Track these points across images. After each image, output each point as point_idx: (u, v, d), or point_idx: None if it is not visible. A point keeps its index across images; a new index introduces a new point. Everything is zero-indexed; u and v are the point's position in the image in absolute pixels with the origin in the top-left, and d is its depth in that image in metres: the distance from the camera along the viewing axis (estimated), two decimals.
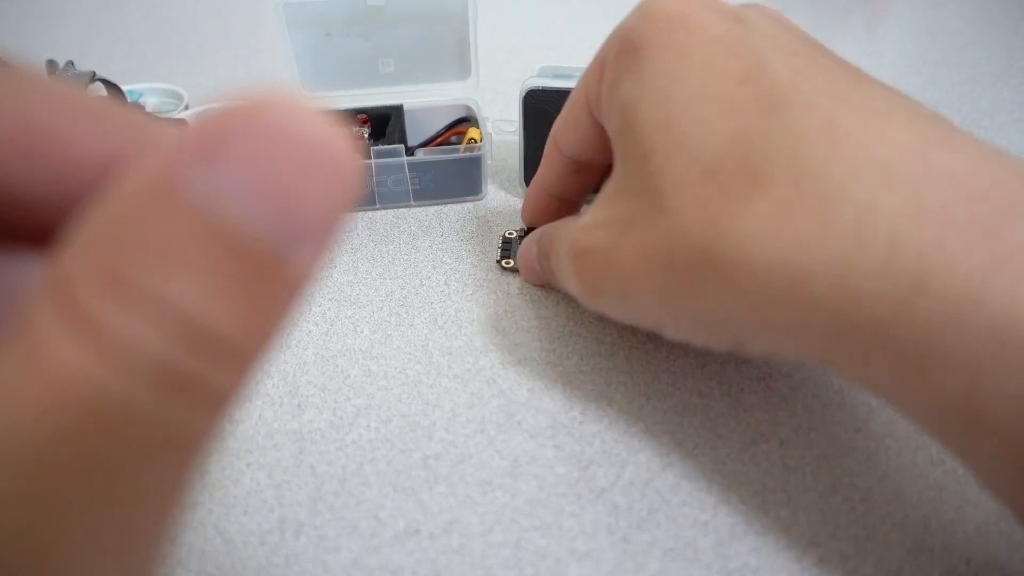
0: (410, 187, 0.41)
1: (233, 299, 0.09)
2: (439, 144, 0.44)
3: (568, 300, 0.35)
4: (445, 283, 0.36)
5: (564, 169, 0.32)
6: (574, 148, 0.30)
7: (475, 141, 0.42)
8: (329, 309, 0.34)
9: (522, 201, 0.43)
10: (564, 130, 0.30)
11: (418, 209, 0.42)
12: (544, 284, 0.34)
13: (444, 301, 0.35)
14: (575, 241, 0.26)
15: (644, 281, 0.23)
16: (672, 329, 0.24)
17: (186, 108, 0.52)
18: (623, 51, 0.25)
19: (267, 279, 0.10)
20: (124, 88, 0.49)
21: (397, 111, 0.44)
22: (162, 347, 0.09)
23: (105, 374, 0.09)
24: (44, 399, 0.09)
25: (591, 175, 0.32)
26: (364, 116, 0.44)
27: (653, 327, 0.25)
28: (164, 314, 0.09)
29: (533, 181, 0.35)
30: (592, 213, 0.26)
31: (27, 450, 0.08)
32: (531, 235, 0.33)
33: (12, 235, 0.12)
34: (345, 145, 0.10)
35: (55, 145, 0.11)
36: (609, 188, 0.25)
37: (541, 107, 0.39)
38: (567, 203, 0.34)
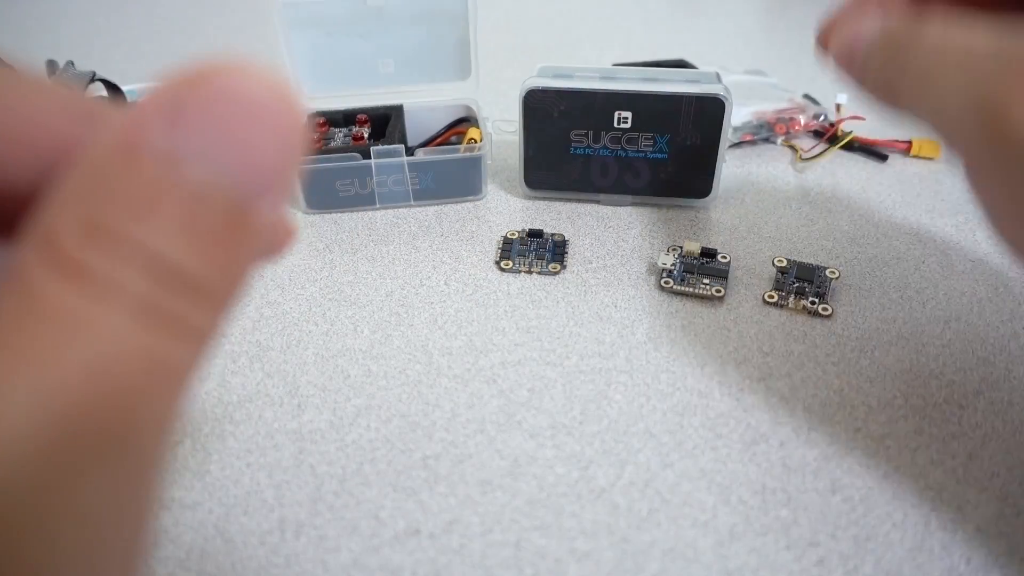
0: (410, 187, 0.41)
1: (202, 244, 0.11)
2: (439, 144, 0.44)
3: (568, 300, 0.35)
4: (445, 283, 0.36)
5: None
6: None
7: (475, 141, 0.42)
8: (329, 309, 0.34)
9: (522, 200, 0.43)
10: None
11: (418, 209, 0.42)
12: (857, 77, 0.24)
13: (444, 301, 0.35)
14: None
15: None
16: None
17: None
18: None
19: (231, 226, 0.11)
20: (124, 88, 0.49)
21: (397, 111, 0.44)
22: (142, 286, 0.10)
23: (95, 311, 0.10)
24: (45, 340, 0.09)
25: None
26: (364, 116, 0.44)
27: None
28: (141, 257, 0.10)
29: None
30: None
31: (39, 392, 0.09)
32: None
33: None
34: (292, 102, 0.11)
35: (11, 128, 0.11)
36: None
37: (541, 107, 0.39)
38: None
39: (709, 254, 0.36)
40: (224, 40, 0.64)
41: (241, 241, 0.11)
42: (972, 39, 0.19)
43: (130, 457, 0.10)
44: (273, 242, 0.13)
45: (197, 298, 0.11)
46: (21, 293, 0.10)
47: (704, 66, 0.46)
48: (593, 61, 0.60)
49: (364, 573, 0.24)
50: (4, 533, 0.09)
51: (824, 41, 0.24)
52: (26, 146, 0.12)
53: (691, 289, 0.35)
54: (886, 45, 0.22)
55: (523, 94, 0.38)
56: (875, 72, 0.22)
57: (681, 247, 0.37)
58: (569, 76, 0.39)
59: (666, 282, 0.35)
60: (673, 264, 0.36)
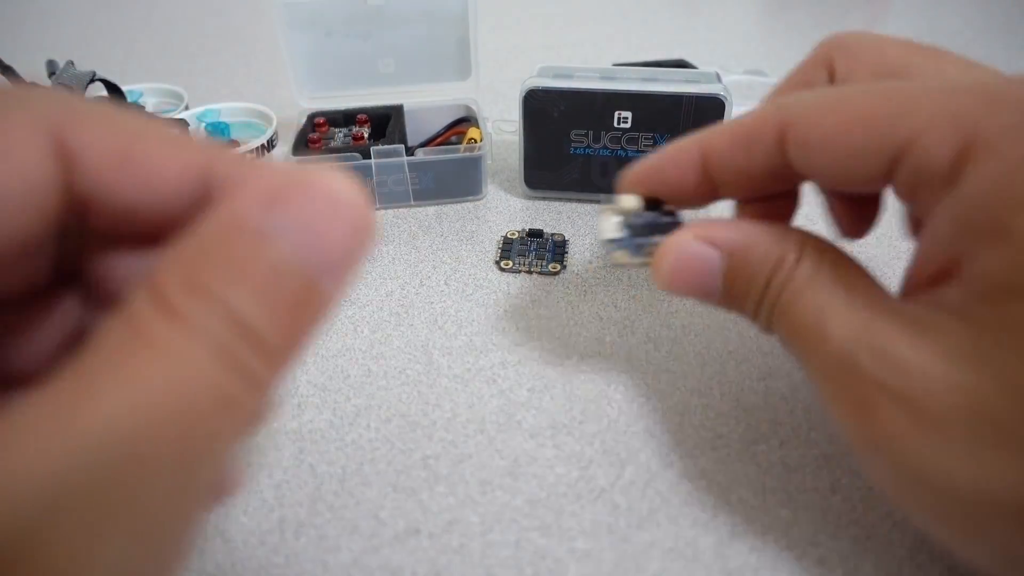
0: (410, 187, 0.41)
1: (275, 310, 0.13)
2: (439, 144, 0.44)
3: (568, 300, 0.35)
4: (445, 283, 0.36)
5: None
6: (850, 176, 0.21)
7: (475, 141, 0.42)
8: None
9: (522, 200, 0.43)
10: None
11: (418, 209, 0.42)
12: (709, 302, 0.24)
13: (444, 301, 0.35)
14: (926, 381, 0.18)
15: None
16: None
17: (186, 108, 0.52)
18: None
19: (301, 298, 0.13)
20: (124, 88, 0.49)
21: (397, 111, 0.44)
22: (224, 335, 0.12)
23: (185, 345, 0.12)
24: (143, 359, 0.12)
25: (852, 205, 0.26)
26: (364, 116, 0.44)
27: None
28: (225, 312, 0.13)
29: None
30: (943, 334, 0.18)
31: (130, 398, 0.12)
32: (714, 233, 0.23)
33: (121, 237, 0.16)
34: (366, 208, 0.14)
35: (146, 166, 0.14)
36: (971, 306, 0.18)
37: (541, 107, 0.39)
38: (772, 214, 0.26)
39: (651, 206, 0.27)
40: (224, 40, 0.64)
41: (307, 311, 0.13)
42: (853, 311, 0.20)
43: (181, 478, 0.12)
44: (331, 312, 0.15)
45: (263, 353, 0.13)
46: (130, 323, 0.12)
47: (704, 66, 0.46)
48: (593, 61, 0.60)
49: (364, 573, 0.24)
50: (89, 499, 0.11)
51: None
52: (155, 178, 0.14)
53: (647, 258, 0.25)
54: (748, 284, 0.23)
55: (523, 94, 0.38)
56: (733, 301, 0.23)
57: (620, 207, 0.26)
58: (569, 76, 0.39)
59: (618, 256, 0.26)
60: (621, 232, 0.26)
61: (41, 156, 0.14)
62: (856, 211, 0.26)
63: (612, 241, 0.26)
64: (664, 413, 0.29)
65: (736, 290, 0.23)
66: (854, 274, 0.21)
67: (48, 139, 0.14)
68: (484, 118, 0.43)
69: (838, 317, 0.20)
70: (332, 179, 0.13)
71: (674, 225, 0.26)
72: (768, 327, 0.22)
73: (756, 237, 0.22)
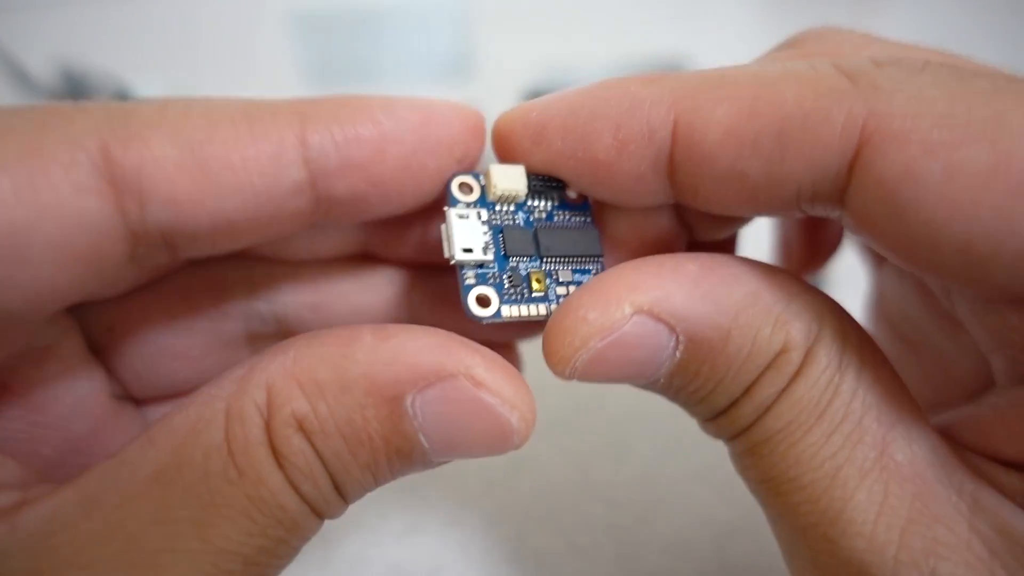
0: None
1: (368, 481, 0.14)
2: None
3: None
4: None
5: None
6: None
7: None
8: None
9: None
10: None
11: None
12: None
13: None
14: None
15: None
16: None
17: None
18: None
19: (408, 467, 0.14)
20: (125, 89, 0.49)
21: None
22: (317, 490, 0.14)
23: (284, 495, 0.13)
24: (251, 502, 0.13)
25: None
26: None
27: None
28: (323, 472, 0.14)
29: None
30: None
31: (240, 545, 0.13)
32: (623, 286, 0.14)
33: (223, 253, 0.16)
34: (517, 413, 0.14)
35: (226, 165, 0.14)
36: None
37: None
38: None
39: (546, 187, 0.17)
40: (224, 42, 0.64)
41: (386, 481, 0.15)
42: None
43: None
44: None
45: (336, 507, 0.15)
46: (244, 462, 0.13)
47: (704, 66, 0.47)
48: (593, 61, 0.60)
49: (366, 569, 0.24)
50: None
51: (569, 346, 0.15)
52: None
53: (529, 311, 0.16)
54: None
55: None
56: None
57: (480, 185, 0.16)
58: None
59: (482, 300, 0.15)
60: (484, 247, 0.16)
61: (81, 187, 0.12)
62: (816, 230, 0.21)
63: (468, 266, 0.15)
64: (663, 409, 0.29)
65: (693, 388, 0.15)
66: (893, 389, 0.14)
67: (91, 163, 0.13)
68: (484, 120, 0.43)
69: (871, 501, 0.13)
70: (474, 378, 0.14)
71: (585, 235, 0.16)
72: (738, 449, 0.15)
73: (738, 306, 0.14)
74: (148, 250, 0.14)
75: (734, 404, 0.15)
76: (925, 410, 0.15)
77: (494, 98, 0.50)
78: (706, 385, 0.15)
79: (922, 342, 0.20)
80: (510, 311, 0.16)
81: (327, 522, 0.26)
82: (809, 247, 0.21)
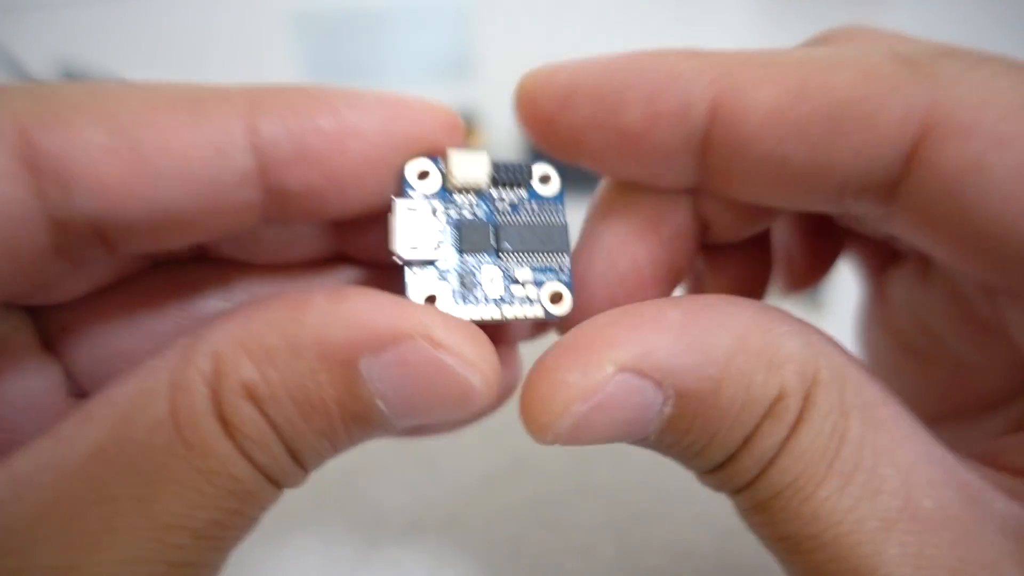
0: None
1: (326, 448, 0.14)
2: None
3: None
4: None
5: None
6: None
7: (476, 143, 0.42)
8: None
9: None
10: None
11: None
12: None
13: None
14: None
15: None
16: None
17: None
18: None
19: (368, 432, 0.14)
20: None
21: None
22: (272, 459, 0.13)
23: (235, 465, 0.13)
24: (199, 474, 0.13)
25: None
26: None
27: None
28: (276, 440, 0.13)
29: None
30: None
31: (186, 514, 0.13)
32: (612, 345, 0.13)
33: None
34: (478, 374, 0.13)
35: (159, 155, 0.13)
36: None
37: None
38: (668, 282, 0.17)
39: (516, 182, 0.16)
40: (225, 43, 0.64)
41: (349, 445, 0.14)
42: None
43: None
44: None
45: (296, 477, 0.14)
46: (190, 433, 0.13)
47: None
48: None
49: (366, 567, 0.24)
50: None
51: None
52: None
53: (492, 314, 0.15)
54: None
55: None
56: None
57: (440, 172, 0.15)
58: None
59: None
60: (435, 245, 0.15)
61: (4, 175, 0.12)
62: (818, 244, 0.20)
63: (415, 263, 0.14)
64: None
65: (686, 444, 0.14)
66: (906, 427, 0.13)
67: (7, 146, 0.12)
68: (485, 120, 0.43)
69: (905, 554, 0.12)
70: (433, 339, 0.13)
71: (552, 231, 0.15)
72: (744, 504, 0.14)
73: (727, 354, 0.13)
74: (78, 242, 0.13)
75: (732, 458, 0.13)
76: (932, 423, 0.14)
77: (494, 98, 0.50)
78: (700, 440, 0.13)
79: (935, 351, 0.19)
80: (459, 314, 0.15)
81: (327, 521, 0.26)
82: (811, 256, 0.20)
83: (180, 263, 0.17)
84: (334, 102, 0.14)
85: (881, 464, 0.12)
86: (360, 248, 0.18)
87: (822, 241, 0.20)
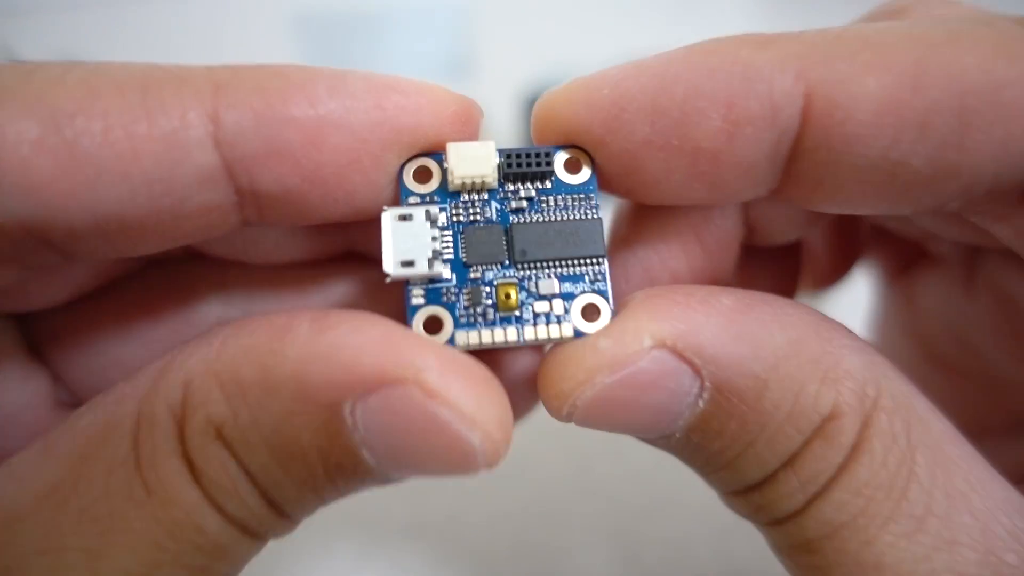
0: None
1: (309, 500, 0.12)
2: None
3: None
4: None
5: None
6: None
7: None
8: None
9: None
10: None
11: None
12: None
13: None
14: None
15: None
16: None
17: None
18: None
19: (355, 483, 0.12)
20: None
21: None
22: (245, 509, 0.11)
23: (201, 515, 0.11)
24: (160, 525, 0.11)
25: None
26: None
27: None
28: (250, 488, 0.11)
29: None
30: None
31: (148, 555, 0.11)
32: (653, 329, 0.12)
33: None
34: (479, 433, 0.11)
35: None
36: None
37: None
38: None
39: (535, 172, 0.13)
40: (228, 48, 0.65)
41: (336, 497, 0.12)
42: None
43: None
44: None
45: (280, 527, 0.12)
46: (152, 475, 0.11)
47: None
48: (594, 60, 0.60)
49: (367, 565, 0.24)
50: None
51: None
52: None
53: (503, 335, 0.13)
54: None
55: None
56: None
57: (442, 169, 0.13)
58: None
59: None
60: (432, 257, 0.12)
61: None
62: (843, 240, 0.18)
63: (415, 281, 0.13)
64: None
65: (715, 449, 0.12)
66: (977, 469, 0.12)
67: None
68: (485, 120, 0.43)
69: None
70: (425, 389, 0.11)
71: (583, 229, 0.13)
72: (785, 541, 0.13)
73: (778, 354, 0.11)
74: (19, 248, 0.11)
75: (772, 479, 0.11)
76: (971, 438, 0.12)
77: (494, 98, 0.50)
78: (732, 447, 0.12)
79: (967, 363, 0.18)
80: (467, 338, 0.12)
81: (328, 520, 0.26)
82: (835, 252, 0.18)
83: (175, 262, 0.15)
84: (313, 86, 0.11)
85: (957, 510, 0.11)
86: (372, 243, 0.15)
87: (846, 238, 0.18)
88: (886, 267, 0.19)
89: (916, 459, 0.11)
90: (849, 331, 0.12)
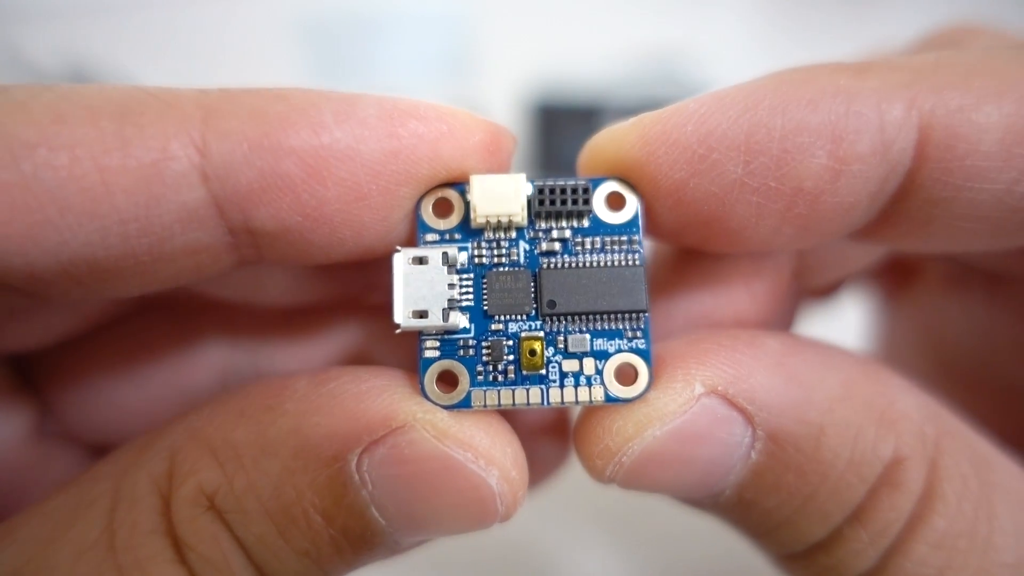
0: None
1: (314, 574, 0.10)
2: None
3: None
4: None
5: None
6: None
7: None
8: None
9: None
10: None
11: None
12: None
13: None
14: None
15: None
16: None
17: None
18: None
19: (364, 552, 0.11)
20: None
21: None
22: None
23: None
24: None
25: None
26: None
27: None
28: (245, 564, 0.10)
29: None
30: None
31: None
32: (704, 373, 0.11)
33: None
34: (496, 472, 0.10)
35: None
36: None
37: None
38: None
39: (570, 211, 0.12)
40: (231, 52, 0.65)
41: (358, 563, 0.11)
42: None
43: None
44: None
45: None
46: (131, 550, 0.10)
47: (706, 66, 0.47)
48: (594, 60, 0.61)
49: (367, 567, 0.24)
50: None
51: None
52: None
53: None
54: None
55: (537, 108, 0.38)
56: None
57: (464, 201, 0.12)
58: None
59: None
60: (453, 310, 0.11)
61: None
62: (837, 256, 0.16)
63: (429, 332, 0.11)
64: None
65: (771, 505, 0.11)
66: None
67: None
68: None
69: None
70: (427, 434, 0.10)
71: (622, 276, 0.11)
72: None
73: (832, 397, 0.10)
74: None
75: (837, 535, 0.10)
76: None
77: (494, 98, 0.50)
78: (790, 502, 0.10)
79: (983, 376, 0.17)
80: (484, 398, 0.11)
81: None
82: (835, 265, 0.17)
83: (178, 302, 0.14)
84: (317, 112, 0.10)
85: None
86: (385, 285, 0.13)
87: (848, 250, 0.17)
88: (885, 285, 0.19)
89: (994, 505, 0.10)
90: (894, 372, 0.11)
